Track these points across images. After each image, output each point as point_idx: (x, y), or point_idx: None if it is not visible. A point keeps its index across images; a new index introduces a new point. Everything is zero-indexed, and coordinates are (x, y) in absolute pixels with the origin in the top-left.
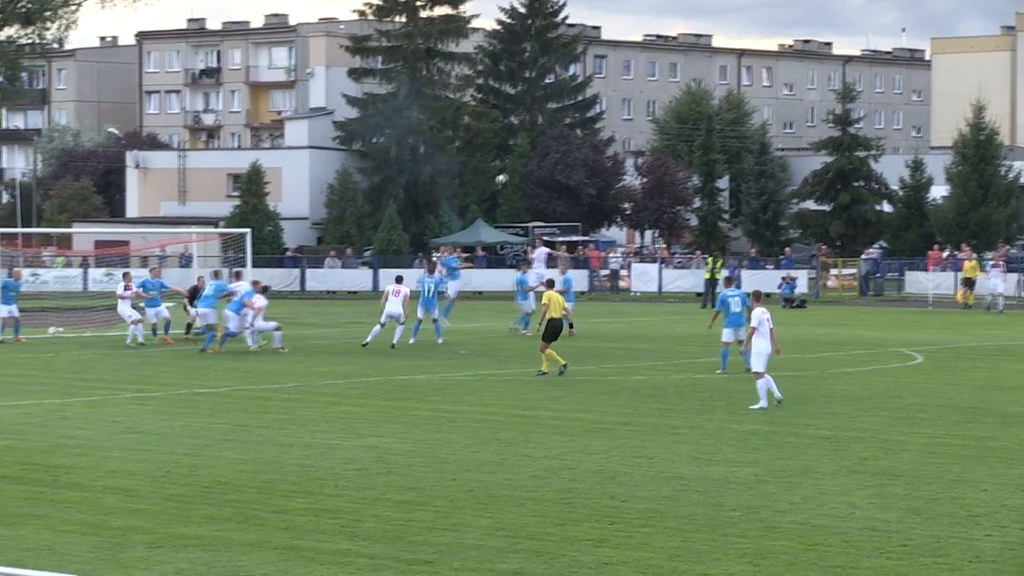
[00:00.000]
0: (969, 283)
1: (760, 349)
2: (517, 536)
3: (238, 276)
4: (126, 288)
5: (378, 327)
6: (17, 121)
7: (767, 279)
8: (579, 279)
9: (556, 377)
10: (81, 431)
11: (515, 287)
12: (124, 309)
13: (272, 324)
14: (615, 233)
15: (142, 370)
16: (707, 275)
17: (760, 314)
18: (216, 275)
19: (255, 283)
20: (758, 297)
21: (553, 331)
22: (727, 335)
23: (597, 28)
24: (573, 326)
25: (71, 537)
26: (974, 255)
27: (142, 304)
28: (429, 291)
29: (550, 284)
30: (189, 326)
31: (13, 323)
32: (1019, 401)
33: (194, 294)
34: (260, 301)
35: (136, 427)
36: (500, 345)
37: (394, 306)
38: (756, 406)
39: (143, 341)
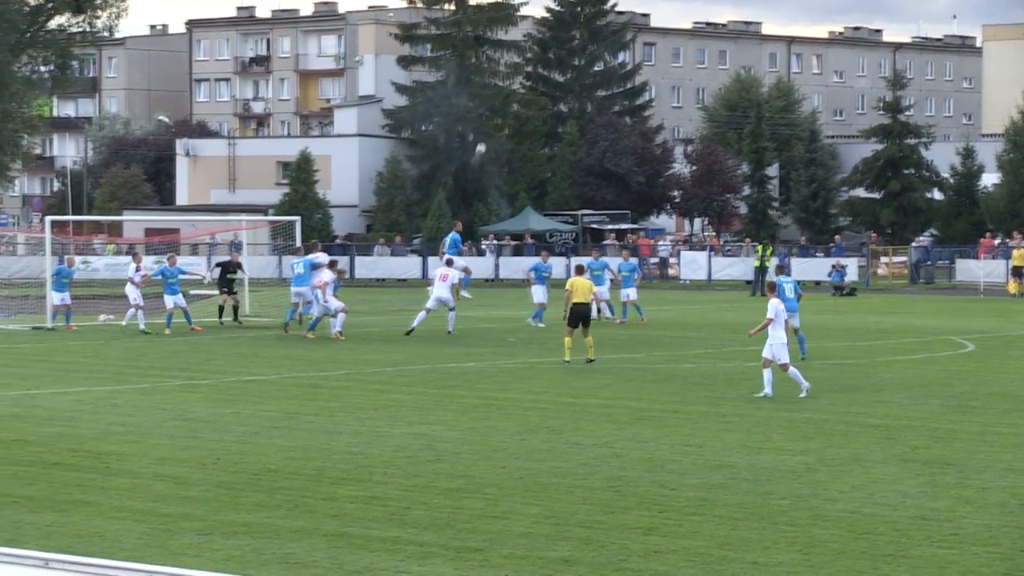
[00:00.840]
0: (1019, 272)
1: (779, 339)
2: (566, 524)
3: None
4: (137, 271)
5: (423, 313)
6: (68, 109)
7: (817, 267)
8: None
9: (597, 365)
10: (131, 418)
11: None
12: (131, 292)
13: (340, 304)
14: (664, 221)
15: (191, 357)
16: (756, 263)
17: (776, 305)
18: (300, 252)
19: (331, 263)
20: (772, 288)
21: (577, 317)
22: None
23: (646, 15)
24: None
25: (121, 524)
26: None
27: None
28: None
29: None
30: (222, 309)
31: (65, 311)
32: None
33: (227, 270)
34: (326, 275)
35: (186, 414)
36: (548, 333)
37: (441, 290)
38: (760, 394)
39: (145, 329)
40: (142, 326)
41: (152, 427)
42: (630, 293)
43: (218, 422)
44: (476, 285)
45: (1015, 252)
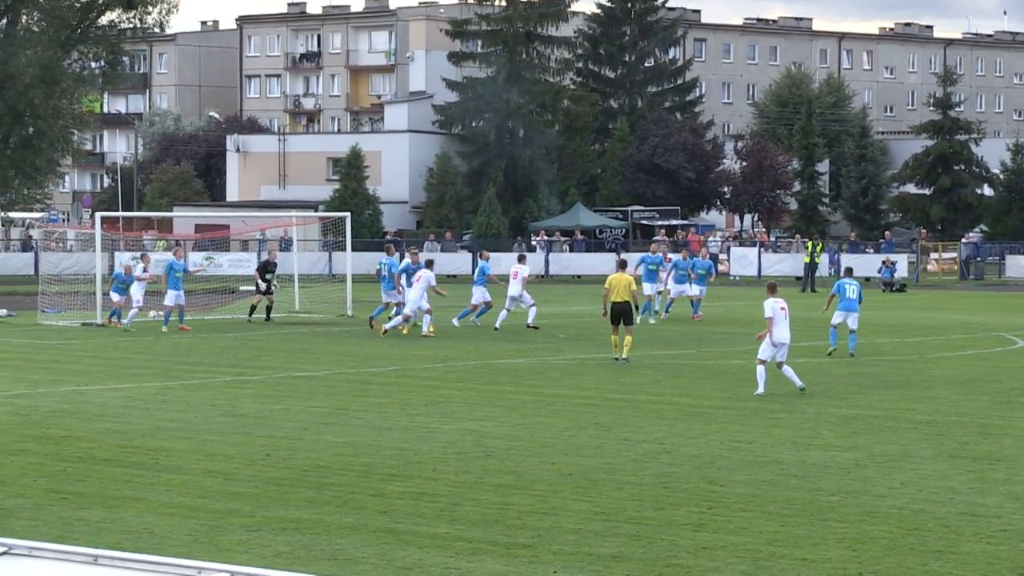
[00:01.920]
0: None
1: (778, 338)
2: (616, 520)
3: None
4: (144, 270)
5: (505, 312)
6: (119, 105)
7: (867, 263)
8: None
9: (646, 361)
10: (181, 414)
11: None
12: (136, 291)
13: (425, 305)
14: (714, 217)
15: (241, 353)
16: (806, 259)
17: (773, 304)
18: (391, 250)
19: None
20: (772, 289)
21: (617, 315)
22: (836, 317)
23: (697, 11)
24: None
25: (170, 520)
26: None
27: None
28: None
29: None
30: (253, 308)
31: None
32: None
33: (265, 269)
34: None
35: (235, 410)
36: (598, 329)
37: (512, 288)
38: (756, 392)
39: (128, 328)
40: (126, 323)
41: (201, 423)
42: (698, 289)
43: (267, 418)
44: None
45: None
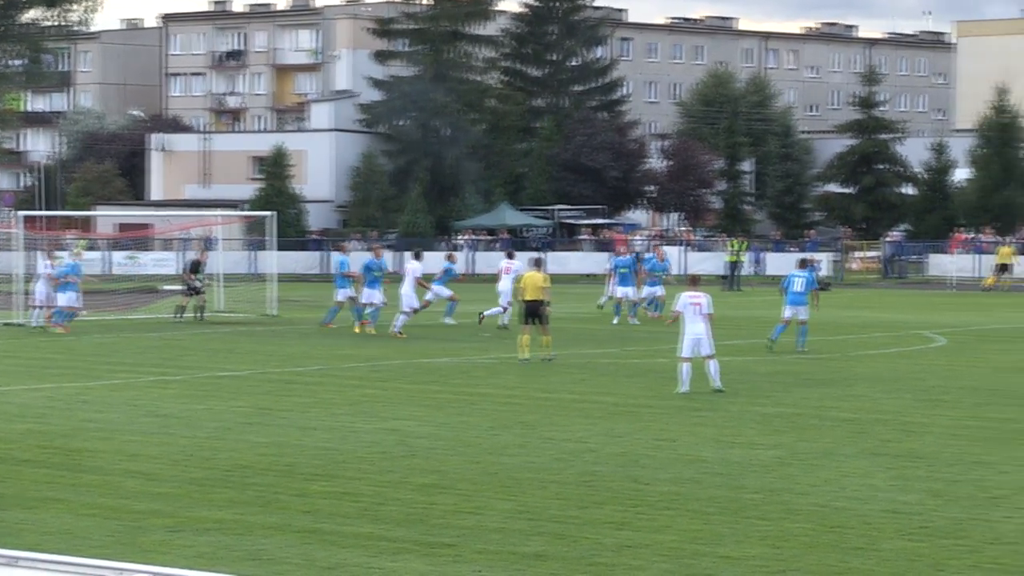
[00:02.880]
0: (1004, 268)
1: (687, 334)
2: (539, 519)
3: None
4: (50, 267)
5: (499, 309)
6: (41, 104)
7: (790, 262)
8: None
9: (572, 360)
10: (102, 415)
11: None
12: (40, 289)
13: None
14: (639, 216)
15: (164, 353)
16: (730, 258)
17: (685, 298)
18: (343, 249)
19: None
20: (693, 281)
21: (528, 314)
22: (787, 312)
23: (622, 11)
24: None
25: (91, 521)
26: (1011, 240)
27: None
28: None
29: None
30: (183, 308)
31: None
32: None
33: (195, 269)
34: (415, 266)
35: (158, 410)
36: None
37: (502, 283)
38: (677, 390)
39: (40, 325)
40: (34, 323)
41: (123, 423)
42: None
43: (190, 418)
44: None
45: (1002, 249)
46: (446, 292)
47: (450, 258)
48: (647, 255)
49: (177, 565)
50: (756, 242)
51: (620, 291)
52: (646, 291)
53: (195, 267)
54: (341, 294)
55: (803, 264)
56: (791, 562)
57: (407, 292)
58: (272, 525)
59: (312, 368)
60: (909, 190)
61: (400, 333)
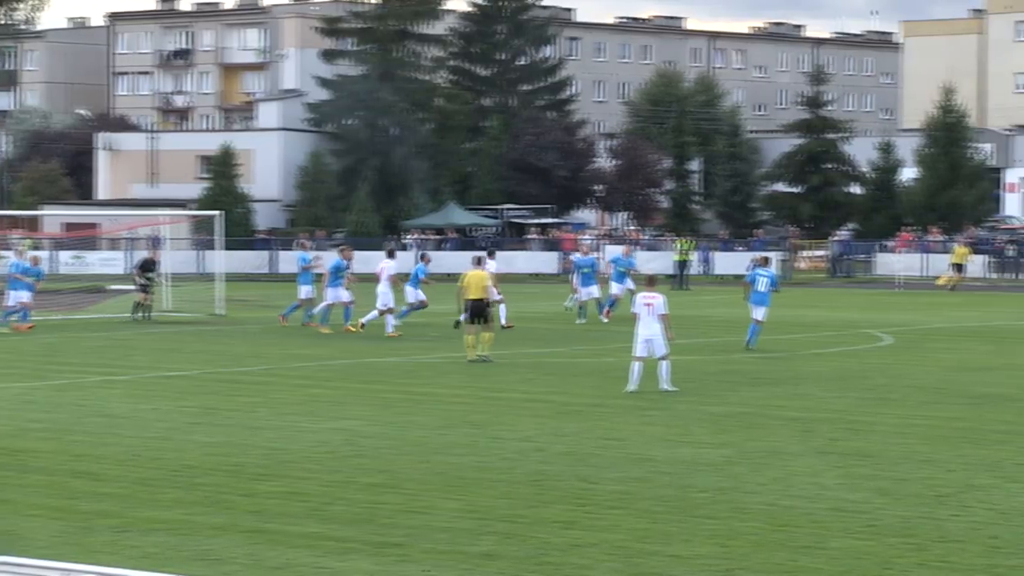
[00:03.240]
0: (959, 268)
1: (641, 334)
2: (488, 518)
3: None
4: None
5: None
6: None
7: (738, 261)
8: (550, 261)
9: (519, 360)
10: (48, 415)
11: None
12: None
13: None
14: (587, 215)
15: (110, 353)
16: (678, 257)
17: (639, 299)
18: (304, 247)
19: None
20: (650, 282)
21: (472, 313)
22: (753, 312)
23: (570, 10)
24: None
25: (37, 521)
26: (960, 239)
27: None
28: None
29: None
30: (137, 305)
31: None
32: (986, 382)
33: (146, 268)
34: (389, 264)
35: (104, 411)
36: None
37: (381, 286)
38: (626, 389)
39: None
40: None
41: (69, 424)
42: (620, 291)
43: (137, 418)
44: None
45: (957, 249)
46: (420, 296)
47: (423, 259)
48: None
49: (124, 565)
50: (704, 241)
51: (584, 291)
52: (616, 288)
53: (146, 265)
54: (304, 291)
55: (765, 261)
56: (739, 561)
57: (383, 291)
58: (219, 525)
59: (259, 368)
60: (856, 189)
61: (393, 332)
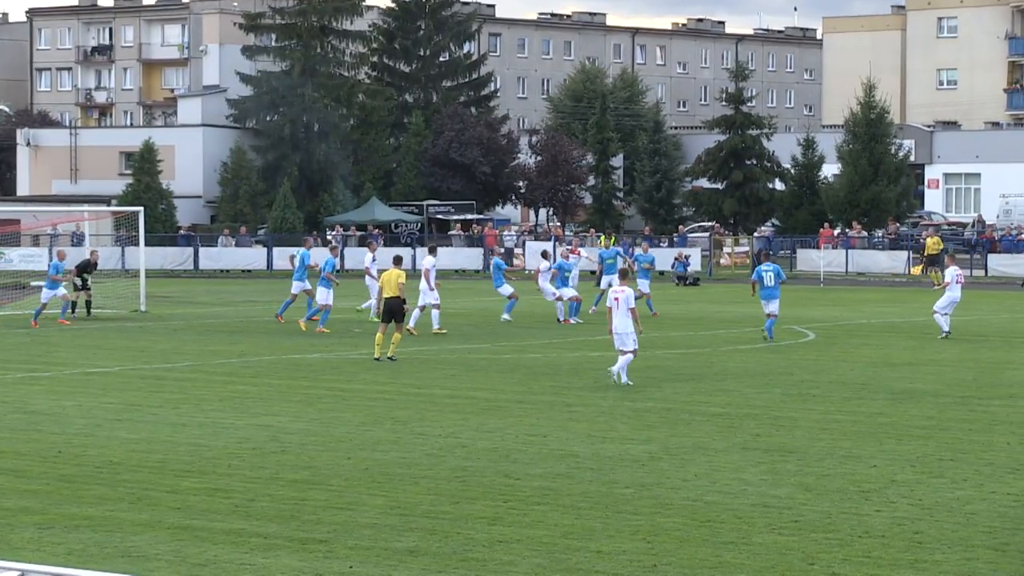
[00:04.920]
0: (935, 261)
1: (613, 328)
2: (412, 514)
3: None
4: None
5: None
6: None
7: (661, 257)
8: (474, 258)
9: (443, 356)
10: None
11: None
12: None
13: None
14: (510, 211)
15: (32, 350)
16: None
17: (610, 293)
18: (307, 244)
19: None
20: (622, 275)
21: (387, 311)
22: (765, 307)
23: (491, 6)
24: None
25: None
26: (929, 232)
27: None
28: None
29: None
30: (74, 305)
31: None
32: (909, 377)
33: (84, 269)
34: (428, 262)
35: (26, 407)
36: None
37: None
38: (615, 372)
39: None
40: None
41: None
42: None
43: (59, 415)
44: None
45: (928, 241)
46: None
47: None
48: (637, 253)
49: (48, 562)
50: (626, 237)
51: (568, 292)
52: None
53: (85, 267)
54: (296, 287)
55: (766, 256)
56: (663, 556)
57: (426, 288)
58: (143, 522)
59: (182, 364)
60: (778, 185)
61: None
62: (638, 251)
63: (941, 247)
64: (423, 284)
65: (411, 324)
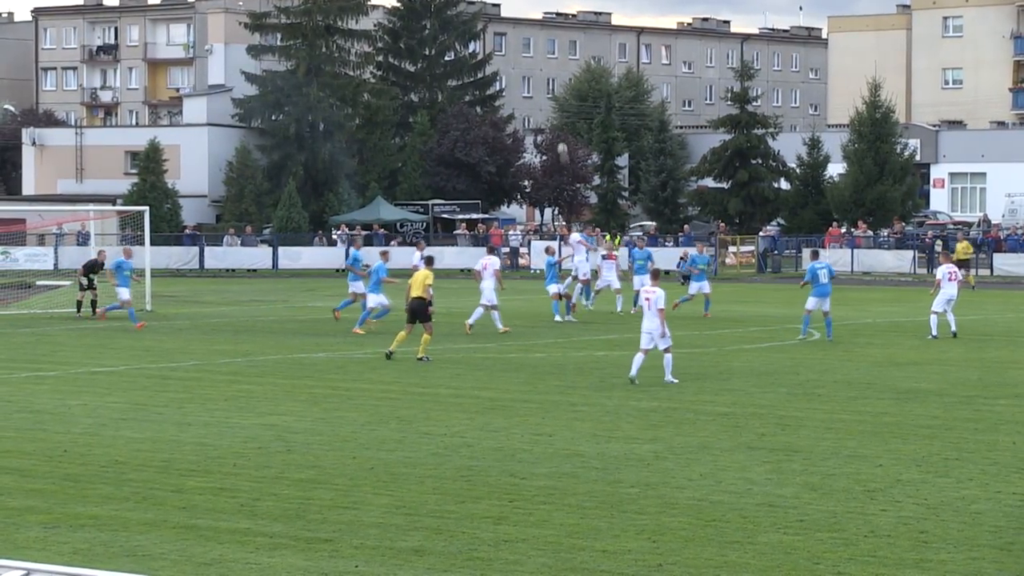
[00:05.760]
0: (963, 265)
1: (643, 328)
2: (417, 514)
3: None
4: None
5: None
6: None
7: (666, 257)
8: (479, 256)
9: (448, 355)
10: None
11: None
12: None
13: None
14: (515, 211)
15: (37, 349)
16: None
17: (642, 293)
18: (356, 244)
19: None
20: (654, 276)
21: (410, 312)
22: (811, 303)
23: (496, 5)
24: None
25: None
26: (959, 236)
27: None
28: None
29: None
30: (80, 304)
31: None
32: (914, 377)
33: (91, 269)
34: (494, 261)
35: (31, 406)
36: (400, 323)
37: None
38: (631, 375)
39: None
40: None
41: None
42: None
43: (65, 414)
44: (326, 275)
45: (959, 246)
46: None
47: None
48: (693, 254)
49: (53, 561)
50: (631, 237)
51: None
52: (693, 288)
53: (92, 266)
54: (354, 287)
55: (816, 255)
56: (669, 555)
57: (487, 287)
58: (149, 521)
59: (188, 363)
60: (783, 185)
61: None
62: (693, 253)
63: (971, 251)
64: (485, 284)
65: (500, 326)
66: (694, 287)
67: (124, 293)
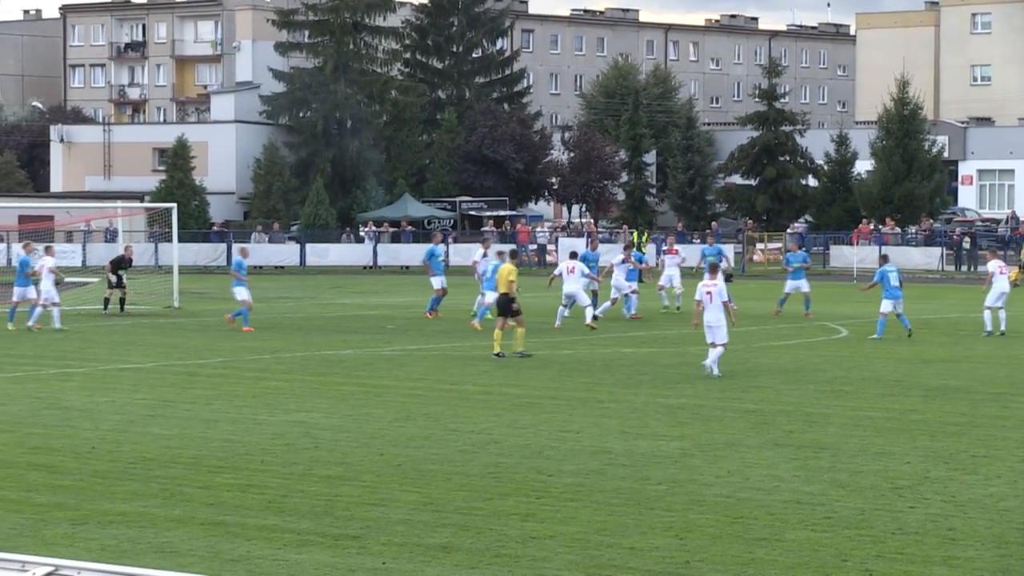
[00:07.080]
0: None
1: (705, 321)
2: (444, 511)
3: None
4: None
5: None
6: None
7: (693, 253)
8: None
9: (474, 352)
10: (4, 407)
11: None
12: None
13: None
14: (542, 208)
15: (66, 346)
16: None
17: (701, 287)
18: (435, 239)
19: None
20: (712, 269)
21: (498, 307)
22: (885, 306)
23: (524, 3)
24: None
25: None
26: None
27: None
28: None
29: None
30: (107, 300)
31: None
32: (942, 374)
33: (119, 265)
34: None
35: (60, 403)
36: (427, 320)
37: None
38: (708, 365)
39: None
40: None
41: (25, 416)
42: (801, 285)
43: (93, 411)
44: (353, 272)
45: None
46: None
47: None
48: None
49: (82, 558)
50: (659, 233)
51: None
52: (789, 285)
53: (119, 263)
54: (436, 282)
55: (886, 259)
56: (696, 553)
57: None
58: (176, 518)
59: (215, 360)
60: (811, 182)
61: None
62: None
63: None
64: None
65: (590, 317)
66: (791, 285)
67: (242, 293)
